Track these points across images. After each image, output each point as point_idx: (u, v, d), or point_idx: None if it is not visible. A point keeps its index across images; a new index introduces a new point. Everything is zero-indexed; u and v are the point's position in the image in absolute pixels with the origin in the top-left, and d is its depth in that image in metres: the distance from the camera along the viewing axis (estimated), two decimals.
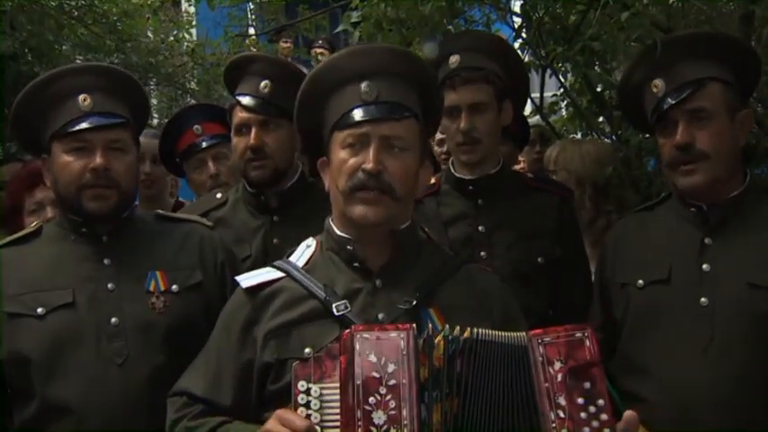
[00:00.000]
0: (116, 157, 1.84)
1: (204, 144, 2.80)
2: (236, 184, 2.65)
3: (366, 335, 1.36)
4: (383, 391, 1.33)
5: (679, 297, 1.79)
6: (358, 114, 1.54)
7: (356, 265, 1.56)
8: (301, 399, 1.36)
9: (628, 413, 1.36)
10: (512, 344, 1.40)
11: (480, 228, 2.20)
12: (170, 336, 1.81)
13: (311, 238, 1.67)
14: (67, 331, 1.77)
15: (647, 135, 3.66)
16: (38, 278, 1.82)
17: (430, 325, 1.41)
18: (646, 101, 1.90)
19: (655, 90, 1.84)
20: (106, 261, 1.86)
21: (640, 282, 1.85)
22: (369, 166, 1.50)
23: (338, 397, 1.35)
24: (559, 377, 1.37)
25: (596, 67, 3.25)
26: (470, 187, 2.23)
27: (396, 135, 1.53)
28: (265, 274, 1.60)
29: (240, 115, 2.27)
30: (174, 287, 1.86)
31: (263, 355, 1.52)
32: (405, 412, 1.31)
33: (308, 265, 1.60)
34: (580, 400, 1.36)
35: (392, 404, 1.32)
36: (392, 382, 1.33)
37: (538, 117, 4.10)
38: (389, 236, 1.57)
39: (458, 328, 1.39)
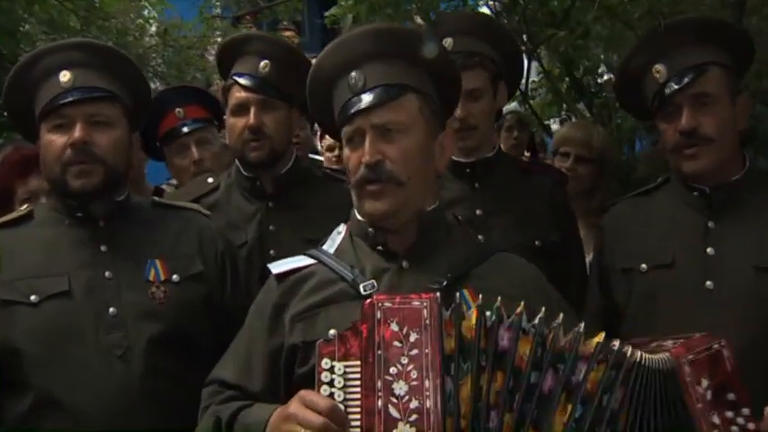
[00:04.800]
0: (99, 132, 1.76)
1: (186, 129, 2.73)
2: (220, 170, 2.60)
3: (388, 303, 1.33)
4: (405, 360, 1.29)
5: (683, 281, 1.80)
6: (349, 108, 1.53)
7: (380, 248, 1.55)
8: (325, 377, 1.32)
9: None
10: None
11: (478, 211, 2.19)
12: (171, 327, 1.76)
13: (342, 225, 1.65)
14: (63, 321, 1.70)
15: (619, 121, 3.75)
16: (31, 264, 1.74)
17: (457, 294, 1.36)
18: (647, 86, 1.90)
19: (657, 75, 1.85)
20: (103, 248, 1.79)
21: (644, 266, 1.86)
22: (365, 159, 1.49)
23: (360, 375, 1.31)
24: (709, 395, 1.35)
25: (580, 54, 3.28)
26: (467, 170, 2.22)
27: (389, 120, 1.50)
28: (296, 261, 1.59)
29: (238, 95, 2.21)
30: (175, 277, 1.80)
31: (290, 338, 1.51)
32: (427, 383, 1.27)
33: (338, 251, 1.59)
34: (729, 414, 1.36)
35: (414, 374, 1.28)
36: (414, 351, 1.29)
37: (515, 103, 4.13)
38: (414, 218, 1.55)
39: (498, 299, 1.35)
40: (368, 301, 1.35)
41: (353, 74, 1.53)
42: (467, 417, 1.27)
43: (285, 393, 1.48)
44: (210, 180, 2.41)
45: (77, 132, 1.73)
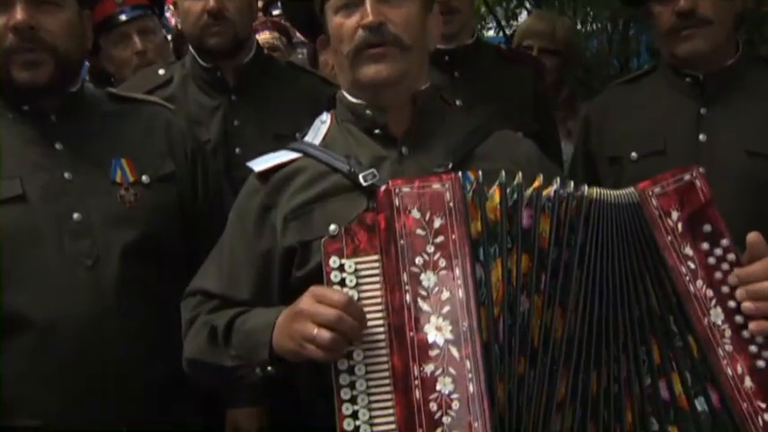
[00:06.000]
0: (46, 13, 1.52)
1: (125, 16, 2.48)
2: (164, 62, 2.38)
3: (406, 189, 1.21)
4: (431, 249, 1.18)
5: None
6: None
7: (377, 132, 1.43)
8: (335, 276, 1.21)
9: (751, 237, 1.24)
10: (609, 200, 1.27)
11: (458, 101, 2.09)
12: (144, 234, 1.59)
13: (325, 113, 1.50)
14: (20, 229, 1.51)
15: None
16: None
17: (479, 173, 1.25)
18: None
19: None
20: (58, 146, 1.58)
21: (634, 154, 1.83)
22: (368, 19, 1.36)
23: (377, 270, 1.20)
24: (680, 227, 1.26)
25: None
26: (446, 58, 2.10)
27: None
28: (279, 156, 1.45)
29: None
30: (145, 178, 1.62)
31: (284, 239, 1.38)
32: (457, 271, 1.18)
33: (326, 140, 1.45)
34: (705, 245, 1.25)
35: (442, 263, 1.18)
36: (440, 238, 1.19)
37: None
38: (410, 99, 1.43)
39: (519, 175, 1.25)
40: (383, 188, 1.24)
41: None
42: (499, 304, 1.20)
43: (280, 301, 1.37)
44: (162, 72, 2.20)
45: (19, 14, 1.48)
